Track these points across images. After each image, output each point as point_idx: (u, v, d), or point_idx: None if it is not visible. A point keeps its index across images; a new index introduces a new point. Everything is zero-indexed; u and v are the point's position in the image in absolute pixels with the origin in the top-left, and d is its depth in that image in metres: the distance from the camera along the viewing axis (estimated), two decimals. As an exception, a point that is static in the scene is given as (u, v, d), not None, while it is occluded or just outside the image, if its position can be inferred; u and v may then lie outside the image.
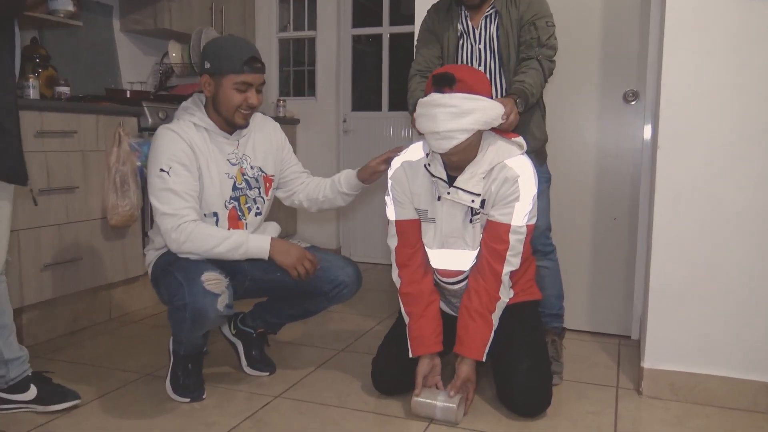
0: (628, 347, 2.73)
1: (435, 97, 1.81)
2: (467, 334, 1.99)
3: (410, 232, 2.07)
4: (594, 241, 2.87)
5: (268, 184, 2.24)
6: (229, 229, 2.11)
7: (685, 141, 2.10)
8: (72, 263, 2.74)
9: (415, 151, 2.04)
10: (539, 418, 2.00)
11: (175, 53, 3.84)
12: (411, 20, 4.02)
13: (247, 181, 2.17)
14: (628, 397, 2.20)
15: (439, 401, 1.95)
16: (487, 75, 2.25)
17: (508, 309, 2.06)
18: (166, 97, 3.45)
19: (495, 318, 2.00)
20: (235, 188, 2.14)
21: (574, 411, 2.08)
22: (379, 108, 4.51)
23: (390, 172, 2.07)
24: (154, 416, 2.00)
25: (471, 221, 1.97)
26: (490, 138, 1.94)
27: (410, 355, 2.06)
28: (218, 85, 2.04)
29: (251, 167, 2.19)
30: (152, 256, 2.18)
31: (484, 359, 2.00)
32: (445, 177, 1.93)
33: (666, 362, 2.18)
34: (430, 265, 2.10)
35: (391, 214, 2.09)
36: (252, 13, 4.48)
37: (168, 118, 3.14)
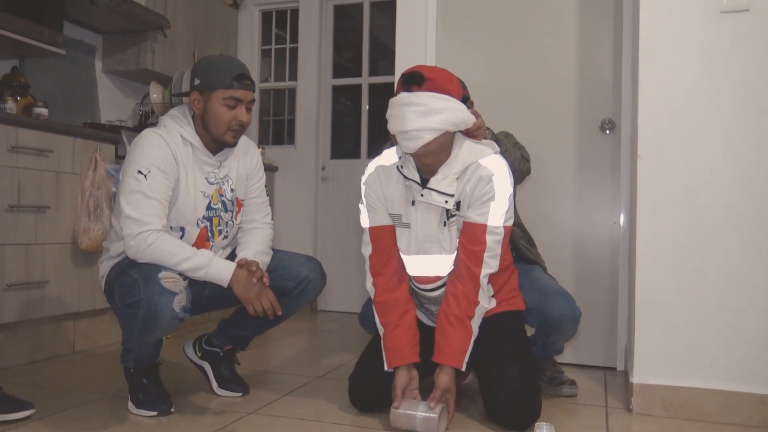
0: (614, 376, 2.65)
1: (403, 96, 1.79)
2: (446, 342, 1.91)
3: (385, 238, 2.01)
4: (576, 271, 2.84)
5: (238, 209, 2.17)
6: (195, 246, 2.02)
7: (665, 150, 2.12)
8: (37, 287, 2.62)
9: (388, 156, 2.01)
10: (525, 429, 1.90)
11: (156, 94, 3.86)
12: (390, 71, 4.16)
13: (224, 203, 2.11)
14: (618, 414, 2.12)
15: (419, 412, 1.84)
16: None
17: (492, 319, 2.00)
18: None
19: (474, 325, 1.92)
20: (209, 208, 2.07)
21: (565, 425, 1.98)
22: (357, 156, 4.54)
23: (363, 178, 2.03)
24: (117, 428, 1.85)
25: (446, 224, 1.93)
26: (462, 140, 1.93)
27: (386, 368, 1.96)
28: (207, 101, 2.00)
29: (231, 190, 2.13)
30: (107, 266, 2.06)
31: (463, 368, 1.91)
32: (418, 179, 1.90)
33: (656, 377, 2.11)
34: (406, 272, 2.03)
35: (365, 221, 2.03)
36: (234, 64, 4.56)
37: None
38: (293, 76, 4.65)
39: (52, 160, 2.68)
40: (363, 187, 2.02)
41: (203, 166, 2.06)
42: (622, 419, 2.07)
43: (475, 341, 1.96)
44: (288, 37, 4.69)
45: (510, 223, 1.93)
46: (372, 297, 2.04)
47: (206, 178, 2.06)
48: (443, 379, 1.90)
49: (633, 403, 2.13)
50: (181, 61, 3.92)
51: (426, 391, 1.96)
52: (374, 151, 4.44)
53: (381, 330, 2.01)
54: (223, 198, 2.11)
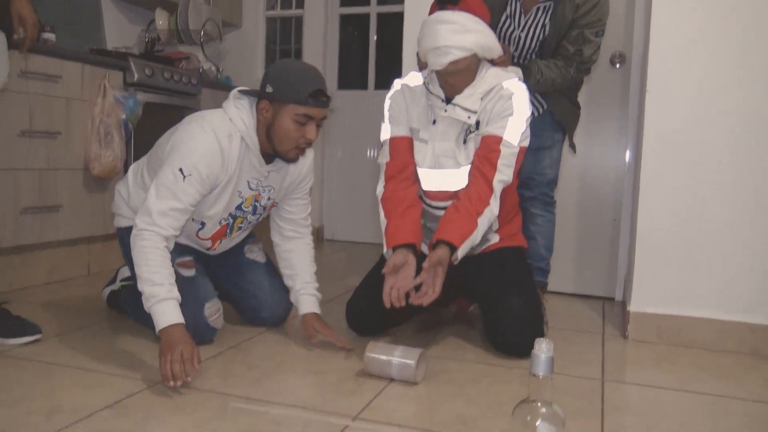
0: (612, 306, 2.73)
1: (439, 13, 1.84)
2: (448, 224, 1.86)
3: (403, 149, 2.04)
4: (580, 202, 2.88)
5: (270, 208, 2.12)
6: (210, 238, 2.03)
7: (673, 86, 2.13)
8: (51, 211, 2.68)
9: (413, 78, 2.06)
10: (527, 357, 1.98)
11: (162, 21, 3.81)
12: (399, 0, 4.07)
13: (255, 207, 2.03)
14: (615, 340, 2.20)
15: (395, 357, 1.68)
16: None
17: (494, 253, 2.03)
18: (153, 57, 3.41)
19: (480, 223, 1.86)
20: (239, 208, 2.00)
21: (561, 350, 2.06)
22: (365, 87, 4.52)
23: (389, 93, 2.07)
24: (131, 345, 1.95)
25: (465, 141, 1.97)
26: (488, 66, 1.97)
27: (384, 251, 1.95)
28: (276, 113, 1.82)
29: (269, 198, 2.04)
30: (125, 224, 2.07)
31: (459, 254, 1.82)
32: (443, 96, 1.95)
33: (652, 306, 2.19)
34: (419, 181, 2.04)
35: (386, 133, 2.06)
36: (240, -10, 4.49)
37: (154, 76, 3.11)
38: (300, 4, 4.57)
39: (62, 86, 2.69)
40: (387, 102, 2.07)
41: (251, 171, 1.94)
42: (618, 345, 2.16)
43: (477, 272, 2.03)
44: (295, -37, 4.59)
45: (525, 143, 1.94)
46: (380, 197, 2.04)
47: (248, 182, 1.95)
48: (437, 252, 1.80)
49: (629, 330, 2.21)
50: (187, -13, 3.85)
51: (423, 333, 2.02)
52: (382, 83, 4.42)
53: (384, 223, 1.99)
54: (256, 203, 2.03)
